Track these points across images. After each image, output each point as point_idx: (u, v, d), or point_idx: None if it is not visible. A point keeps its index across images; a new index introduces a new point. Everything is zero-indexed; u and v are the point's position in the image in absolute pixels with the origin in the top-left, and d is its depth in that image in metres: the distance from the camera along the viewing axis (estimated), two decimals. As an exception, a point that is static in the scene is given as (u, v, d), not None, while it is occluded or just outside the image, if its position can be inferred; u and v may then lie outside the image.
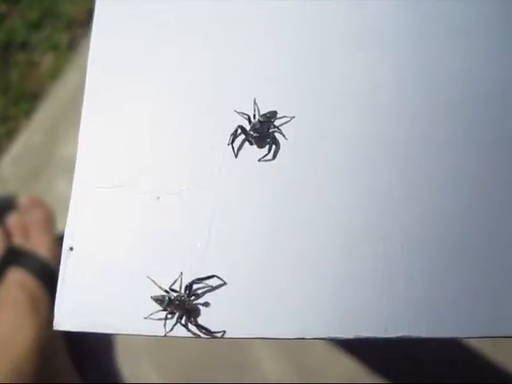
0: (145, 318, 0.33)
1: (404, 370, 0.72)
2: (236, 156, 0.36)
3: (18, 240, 0.73)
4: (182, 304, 0.33)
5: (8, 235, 0.73)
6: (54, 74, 0.90)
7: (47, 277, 0.70)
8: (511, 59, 0.37)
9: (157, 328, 0.33)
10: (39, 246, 0.72)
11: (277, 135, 0.36)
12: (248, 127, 0.36)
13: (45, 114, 0.88)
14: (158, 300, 0.33)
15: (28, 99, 0.90)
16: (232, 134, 0.36)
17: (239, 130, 0.36)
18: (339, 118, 0.36)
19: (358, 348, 0.72)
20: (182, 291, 0.33)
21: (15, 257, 0.72)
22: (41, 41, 0.93)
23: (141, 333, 0.33)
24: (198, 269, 0.34)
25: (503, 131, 0.35)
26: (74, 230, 0.35)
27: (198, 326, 0.33)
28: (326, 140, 0.36)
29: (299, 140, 0.36)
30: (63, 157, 0.83)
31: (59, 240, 0.76)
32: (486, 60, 0.37)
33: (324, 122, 0.36)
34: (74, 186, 0.36)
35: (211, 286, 0.33)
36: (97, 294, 0.34)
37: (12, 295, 0.69)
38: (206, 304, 0.33)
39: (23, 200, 0.77)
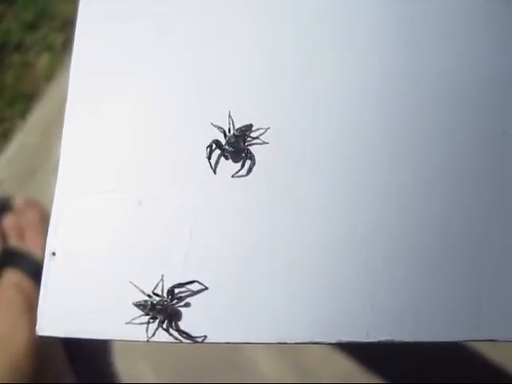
0: (126, 323, 0.33)
1: (402, 370, 0.71)
2: (215, 172, 0.36)
3: (14, 241, 0.73)
4: (164, 308, 0.33)
5: (3, 236, 0.73)
6: (49, 75, 0.90)
7: (42, 278, 0.70)
8: (498, 58, 0.36)
9: (139, 333, 0.33)
10: (35, 247, 0.72)
11: (254, 148, 0.36)
12: (223, 141, 0.36)
13: (40, 114, 0.88)
14: (141, 305, 0.33)
15: (23, 100, 0.90)
16: (208, 147, 0.36)
17: (214, 145, 0.36)
18: (324, 123, 0.36)
19: (355, 348, 0.72)
20: (165, 295, 0.33)
21: (11, 258, 0.72)
22: (36, 41, 0.93)
23: (123, 338, 0.33)
24: (180, 273, 0.34)
25: (489, 131, 0.35)
26: (56, 235, 0.35)
27: (179, 331, 0.33)
28: (309, 146, 0.36)
29: (280, 149, 0.36)
30: (58, 158, 0.83)
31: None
32: (473, 59, 0.37)
33: (307, 128, 0.36)
34: (56, 190, 0.36)
35: (192, 291, 0.33)
36: (79, 299, 0.34)
37: (8, 296, 0.69)
38: (187, 305, 0.33)
39: (18, 201, 0.77)
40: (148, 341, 0.33)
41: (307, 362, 0.73)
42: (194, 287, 0.33)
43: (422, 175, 0.34)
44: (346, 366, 0.72)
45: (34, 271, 0.71)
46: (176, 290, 0.33)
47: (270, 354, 0.73)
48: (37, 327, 0.34)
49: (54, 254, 0.35)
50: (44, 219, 0.75)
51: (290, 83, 0.37)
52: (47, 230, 0.73)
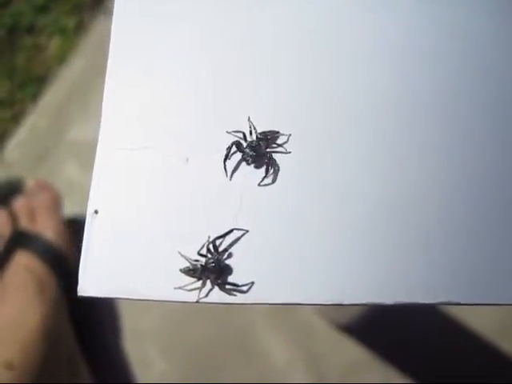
0: (175, 288, 0.32)
1: (410, 357, 0.72)
2: (230, 179, 0.34)
3: (25, 223, 0.73)
4: (216, 265, 0.32)
5: (15, 218, 0.73)
6: (61, 58, 0.89)
7: (54, 260, 0.70)
8: None
9: (188, 295, 0.32)
10: (46, 229, 0.72)
11: (276, 156, 0.34)
12: (244, 144, 0.34)
13: (51, 97, 0.88)
14: (191, 270, 0.32)
15: (34, 83, 0.89)
16: (227, 150, 0.34)
17: (234, 148, 0.34)
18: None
19: (365, 334, 0.72)
20: (213, 252, 0.32)
21: (22, 240, 0.72)
22: (47, 24, 0.92)
23: (170, 299, 0.32)
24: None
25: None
26: (98, 193, 0.34)
27: (233, 285, 0.32)
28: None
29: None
30: (69, 140, 0.83)
31: (67, 223, 0.77)
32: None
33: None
34: (97, 148, 0.35)
35: (235, 238, 0.33)
36: (123, 259, 0.33)
37: (19, 278, 0.69)
38: (230, 255, 0.33)
39: (30, 183, 0.77)
40: (198, 301, 0.32)
41: (317, 347, 0.73)
42: (234, 236, 0.32)
43: (472, 140, 0.34)
44: (356, 353, 0.72)
45: (46, 253, 0.70)
46: (218, 243, 0.32)
47: (280, 340, 0.73)
48: (78, 288, 0.33)
49: (96, 212, 0.34)
50: (56, 201, 0.75)
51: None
52: (59, 212, 0.74)
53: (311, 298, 0.32)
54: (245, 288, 0.32)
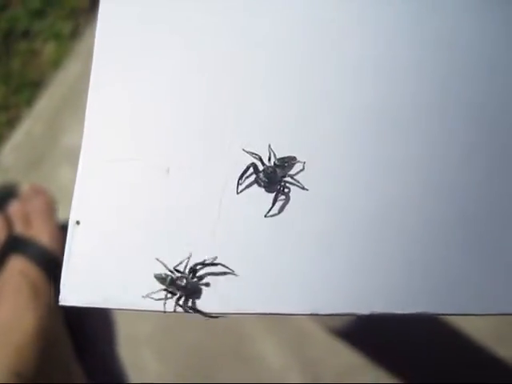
0: (143, 296, 0.33)
1: (405, 361, 0.72)
2: (237, 192, 0.34)
3: (20, 228, 0.73)
4: (184, 285, 0.32)
5: (9, 223, 0.73)
6: (56, 63, 0.90)
7: (49, 265, 0.70)
8: None
9: (158, 305, 0.32)
10: (41, 234, 0.72)
11: (290, 186, 0.34)
12: (261, 167, 0.34)
13: (46, 102, 0.88)
14: (161, 278, 0.33)
15: (29, 88, 0.89)
16: (243, 171, 0.34)
17: (251, 169, 0.34)
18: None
19: (359, 338, 0.72)
20: (187, 272, 0.33)
21: (17, 245, 0.72)
22: (43, 29, 0.93)
23: (143, 309, 0.32)
24: (207, 247, 0.33)
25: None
26: (80, 204, 0.35)
27: (195, 309, 0.32)
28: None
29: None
30: (65, 145, 0.83)
31: (61, 228, 0.77)
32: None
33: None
34: (80, 158, 0.36)
35: (215, 273, 0.33)
36: (104, 269, 0.34)
37: (14, 283, 0.69)
38: (208, 285, 0.33)
39: (25, 188, 0.77)
40: (165, 312, 0.32)
41: (311, 352, 0.73)
42: (218, 269, 0.33)
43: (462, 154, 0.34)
44: (351, 357, 0.72)
45: (41, 258, 0.70)
46: (198, 268, 0.33)
47: (275, 344, 0.73)
48: (59, 297, 0.33)
49: (78, 222, 0.34)
50: (50, 206, 0.75)
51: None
52: (53, 217, 0.74)
53: (287, 308, 0.32)
54: (204, 312, 0.32)
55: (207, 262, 0.33)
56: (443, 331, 0.71)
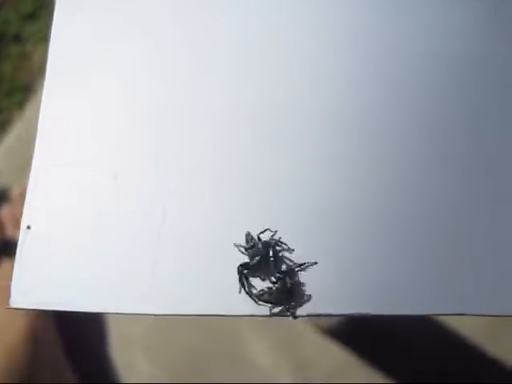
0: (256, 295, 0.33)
1: (396, 359, 0.72)
2: (243, 291, 0.33)
3: (11, 232, 0.73)
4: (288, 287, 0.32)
5: (1, 227, 0.73)
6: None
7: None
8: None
9: (105, 305, 0.34)
10: (31, 238, 0.72)
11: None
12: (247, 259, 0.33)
13: (38, 105, 0.87)
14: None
15: (21, 91, 0.90)
16: (240, 283, 0.33)
17: (242, 270, 0.33)
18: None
19: (350, 337, 0.72)
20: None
21: (8, 248, 0.72)
22: (34, 33, 0.93)
23: (90, 310, 0.33)
24: (152, 251, 0.34)
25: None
26: (31, 209, 0.35)
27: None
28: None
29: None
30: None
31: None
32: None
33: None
34: (33, 163, 0.36)
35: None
36: (52, 272, 0.34)
37: (5, 286, 0.69)
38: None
39: (16, 191, 0.77)
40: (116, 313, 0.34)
41: (303, 351, 0.73)
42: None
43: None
44: (342, 356, 0.72)
45: (31, 261, 0.71)
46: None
47: (266, 344, 0.74)
48: (10, 300, 0.34)
49: (28, 227, 0.35)
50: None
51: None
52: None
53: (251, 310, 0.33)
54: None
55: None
56: (435, 331, 0.72)
